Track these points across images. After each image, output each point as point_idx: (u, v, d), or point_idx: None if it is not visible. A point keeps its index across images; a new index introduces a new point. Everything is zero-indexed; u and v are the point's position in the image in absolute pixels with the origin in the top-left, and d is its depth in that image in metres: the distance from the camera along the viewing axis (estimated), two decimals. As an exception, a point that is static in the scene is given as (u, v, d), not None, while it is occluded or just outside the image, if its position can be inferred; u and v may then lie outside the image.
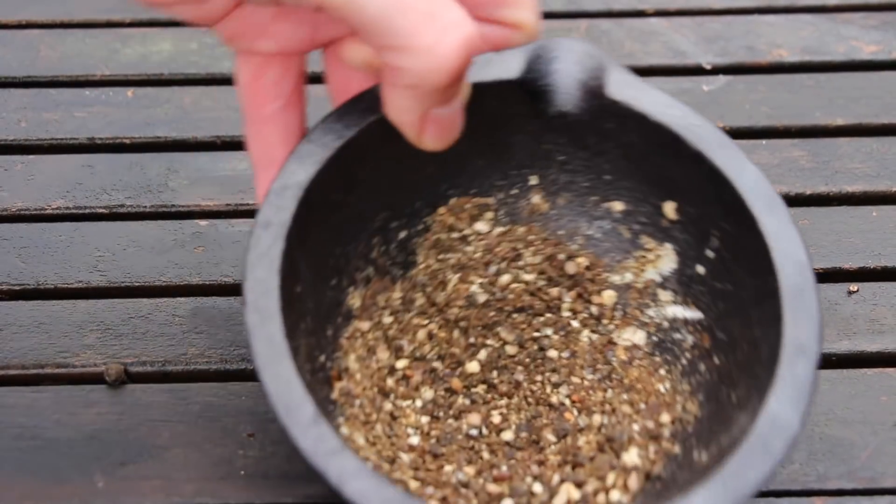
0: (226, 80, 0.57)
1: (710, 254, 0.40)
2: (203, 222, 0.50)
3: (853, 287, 0.47)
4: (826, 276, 0.48)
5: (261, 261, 0.36)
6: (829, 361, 0.45)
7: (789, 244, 0.36)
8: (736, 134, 0.54)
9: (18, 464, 0.42)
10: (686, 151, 0.38)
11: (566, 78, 0.38)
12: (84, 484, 0.41)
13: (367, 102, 0.38)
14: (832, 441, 0.42)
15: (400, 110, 0.35)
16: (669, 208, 0.41)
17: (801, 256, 0.36)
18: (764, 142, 0.54)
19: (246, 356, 0.45)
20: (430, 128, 0.35)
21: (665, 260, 0.42)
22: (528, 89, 0.39)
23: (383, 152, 0.38)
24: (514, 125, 0.41)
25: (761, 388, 0.35)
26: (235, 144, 0.54)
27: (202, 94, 0.56)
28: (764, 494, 0.41)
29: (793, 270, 0.36)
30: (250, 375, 0.45)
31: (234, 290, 0.48)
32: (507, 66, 0.39)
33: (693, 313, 0.41)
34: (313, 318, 0.39)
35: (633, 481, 0.38)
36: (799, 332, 0.35)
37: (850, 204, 0.51)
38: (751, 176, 0.37)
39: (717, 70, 0.58)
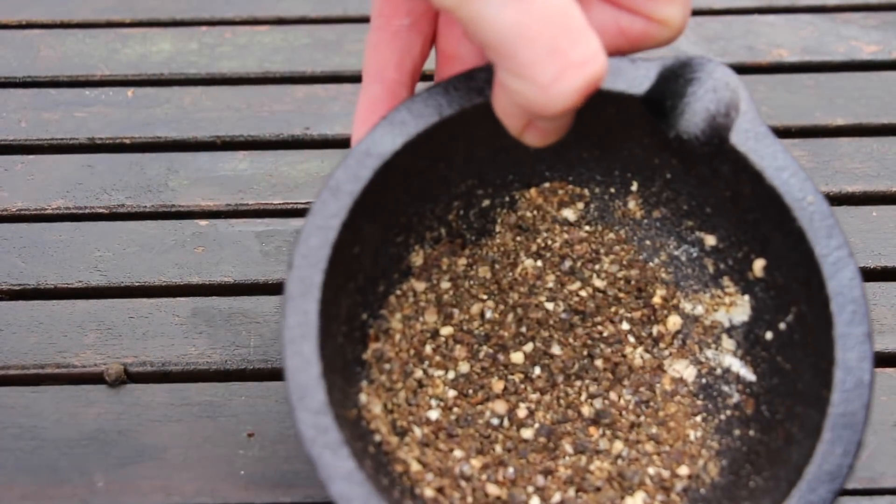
0: (226, 80, 0.57)
1: (782, 326, 0.39)
2: (203, 222, 0.50)
3: (853, 287, 0.47)
4: (826, 276, 0.48)
5: (318, 231, 0.35)
6: (829, 361, 0.45)
7: (858, 361, 0.35)
8: (736, 134, 0.54)
9: (18, 464, 0.42)
10: (790, 226, 0.37)
11: (696, 105, 0.36)
12: (84, 484, 0.41)
13: (479, 82, 0.37)
14: (832, 441, 0.42)
15: (505, 113, 0.34)
16: (759, 265, 0.40)
17: (865, 377, 0.35)
18: (764, 142, 0.54)
19: (246, 356, 0.45)
20: (532, 132, 0.35)
21: (739, 309, 0.40)
22: (653, 105, 0.37)
23: (482, 129, 0.37)
24: (627, 133, 0.40)
25: (776, 492, 0.34)
26: (235, 144, 0.54)
27: (202, 94, 0.56)
28: (764, 494, 0.41)
29: (851, 389, 0.35)
30: (250, 375, 0.45)
31: (234, 289, 0.48)
32: (639, 80, 0.37)
33: (748, 373, 0.40)
34: (367, 274, 0.39)
35: None
36: (833, 457, 0.34)
37: (850, 204, 0.51)
38: (846, 277, 0.36)
39: (717, 70, 0.58)
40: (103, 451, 0.42)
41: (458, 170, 0.40)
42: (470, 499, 0.38)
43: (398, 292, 0.41)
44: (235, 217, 0.51)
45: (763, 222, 0.38)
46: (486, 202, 0.42)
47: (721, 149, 0.37)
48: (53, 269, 0.48)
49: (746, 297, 0.40)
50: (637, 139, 0.40)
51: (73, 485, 0.41)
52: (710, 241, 0.41)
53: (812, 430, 0.35)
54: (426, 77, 0.37)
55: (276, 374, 0.45)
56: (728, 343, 0.40)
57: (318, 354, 0.34)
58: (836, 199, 0.51)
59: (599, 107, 0.37)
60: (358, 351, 0.39)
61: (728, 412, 0.40)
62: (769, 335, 0.39)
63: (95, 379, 0.44)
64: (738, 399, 0.40)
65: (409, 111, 0.37)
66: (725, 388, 0.40)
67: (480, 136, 0.38)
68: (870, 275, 0.48)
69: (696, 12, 0.61)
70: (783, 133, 0.55)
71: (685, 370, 0.41)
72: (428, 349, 0.41)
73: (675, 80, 0.37)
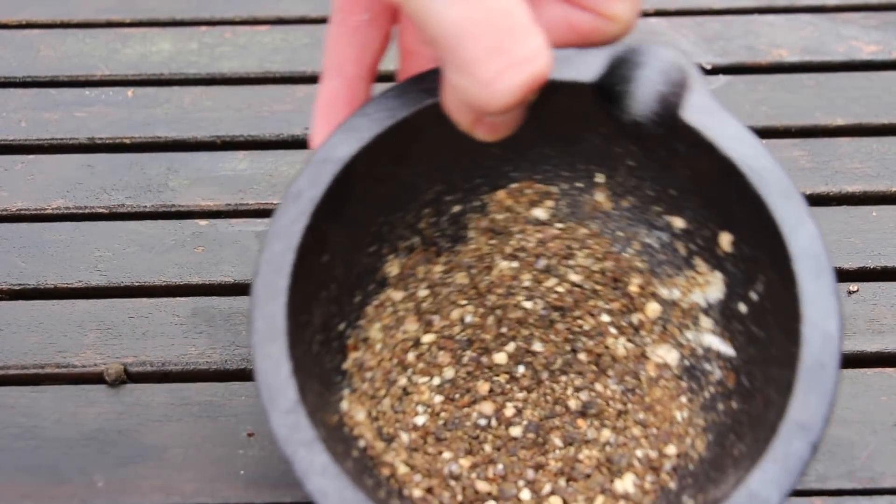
0: (226, 80, 0.57)
1: (753, 296, 0.39)
2: (203, 222, 0.50)
3: (853, 287, 0.47)
4: (826, 276, 0.48)
5: (280, 236, 0.35)
6: (829, 361, 0.45)
7: (824, 315, 0.35)
8: (736, 134, 0.54)
9: (18, 464, 0.42)
10: (748, 193, 0.37)
11: (647, 88, 0.37)
12: (84, 484, 0.41)
13: (430, 83, 0.37)
14: (832, 441, 0.42)
15: (453, 109, 0.35)
16: (726, 240, 0.40)
17: (832, 330, 0.35)
18: (764, 142, 0.54)
19: (246, 356, 0.45)
20: (482, 128, 0.35)
21: (713, 287, 0.41)
22: (605, 92, 0.38)
23: (441, 131, 0.37)
24: (586, 123, 0.40)
25: (756, 454, 0.34)
26: (235, 144, 0.54)
27: (202, 94, 0.56)
28: (764, 494, 0.41)
29: (819, 343, 0.35)
30: (250, 375, 0.45)
31: (234, 289, 0.48)
32: (587, 67, 0.38)
33: (727, 349, 0.40)
34: (340, 284, 0.39)
35: None
36: (805, 409, 0.34)
37: (850, 204, 0.51)
38: (805, 235, 0.36)
39: (717, 70, 0.58)
40: (103, 451, 0.42)
41: (423, 175, 0.41)
42: (460, 497, 0.39)
43: (375, 302, 0.41)
44: (235, 217, 0.51)
45: (724, 195, 0.39)
46: (457, 208, 0.42)
47: (675, 127, 0.37)
48: (53, 269, 0.48)
49: (719, 274, 0.40)
50: (595, 129, 0.40)
51: (73, 485, 0.41)
52: (679, 223, 0.41)
53: (786, 388, 0.35)
54: (384, 78, 0.38)
55: (276, 374, 0.45)
56: (706, 322, 0.41)
57: (288, 355, 0.34)
58: (836, 199, 0.51)
59: (553, 99, 0.37)
60: (337, 361, 0.39)
61: (711, 389, 0.40)
62: (743, 307, 0.39)
63: (95, 379, 0.44)
64: (720, 375, 0.40)
65: (364, 116, 0.37)
66: (707, 367, 0.41)
67: (440, 138, 0.38)
68: (870, 275, 0.48)
69: (696, 12, 0.61)
70: (783, 133, 0.55)
71: (668, 355, 0.41)
72: (411, 357, 0.41)
73: (623, 65, 0.37)
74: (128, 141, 0.54)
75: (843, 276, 0.48)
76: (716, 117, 0.37)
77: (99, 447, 0.42)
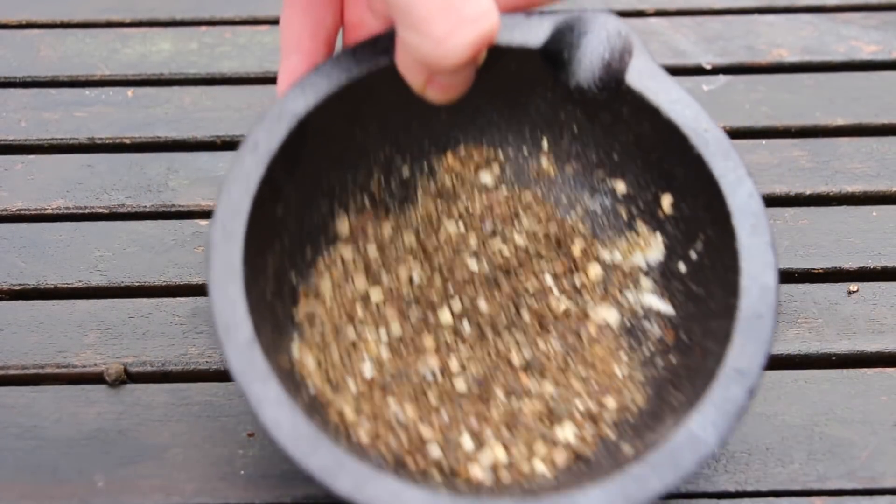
0: (226, 80, 0.57)
1: (693, 255, 0.41)
2: (203, 222, 0.50)
3: (853, 287, 0.47)
4: (826, 276, 0.48)
5: (238, 183, 0.37)
6: (829, 361, 0.45)
7: (761, 268, 0.37)
8: (736, 134, 0.54)
9: (18, 464, 0.42)
10: (690, 154, 0.39)
11: (591, 54, 0.38)
12: (84, 484, 0.41)
13: (383, 45, 0.39)
14: (832, 441, 0.42)
15: (406, 68, 0.36)
16: (666, 201, 0.42)
17: (769, 282, 0.36)
18: (764, 142, 0.54)
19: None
20: (434, 88, 0.36)
21: (654, 249, 0.43)
22: (551, 58, 0.39)
23: (393, 94, 0.39)
24: (532, 89, 0.42)
25: (695, 400, 0.35)
26: (235, 144, 0.54)
27: (202, 94, 0.56)
28: (764, 495, 0.41)
29: (756, 295, 0.36)
30: (250, 375, 0.45)
31: (234, 290, 0.48)
32: (534, 33, 0.39)
33: (666, 307, 0.42)
34: (293, 237, 0.41)
35: (561, 457, 0.39)
36: (743, 357, 0.35)
37: (850, 204, 0.51)
38: (744, 192, 0.38)
39: (717, 70, 0.58)
40: (103, 451, 0.42)
41: (373, 136, 0.43)
42: (405, 442, 0.39)
43: (326, 258, 0.43)
44: (235, 217, 0.51)
45: (665, 158, 0.40)
46: (406, 171, 0.44)
47: (619, 91, 0.39)
48: (53, 269, 0.48)
49: (659, 236, 0.42)
50: (541, 94, 0.42)
51: (73, 485, 0.41)
52: (621, 187, 0.43)
53: (724, 338, 0.36)
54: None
55: (276, 374, 0.45)
56: (646, 283, 0.42)
57: (244, 294, 0.35)
58: (836, 199, 0.51)
59: (501, 64, 0.40)
60: (289, 310, 0.41)
61: (651, 346, 0.41)
62: (682, 267, 0.41)
63: (95, 379, 0.44)
64: (659, 333, 0.41)
65: (318, 74, 0.39)
66: (647, 325, 0.42)
67: (391, 100, 0.40)
68: (870, 275, 0.48)
69: (696, 12, 0.61)
70: (783, 133, 0.55)
71: (609, 315, 0.43)
72: (359, 312, 0.42)
73: (569, 32, 0.39)
74: (128, 141, 0.54)
75: (843, 276, 0.48)
76: (658, 81, 0.39)
77: (99, 447, 0.42)
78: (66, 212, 0.51)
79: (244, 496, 0.41)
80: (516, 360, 0.42)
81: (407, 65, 0.36)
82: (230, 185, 0.37)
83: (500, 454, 0.39)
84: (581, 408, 0.40)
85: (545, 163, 0.44)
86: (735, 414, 0.34)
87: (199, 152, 0.53)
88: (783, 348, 0.45)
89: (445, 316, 0.42)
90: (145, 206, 0.51)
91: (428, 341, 0.42)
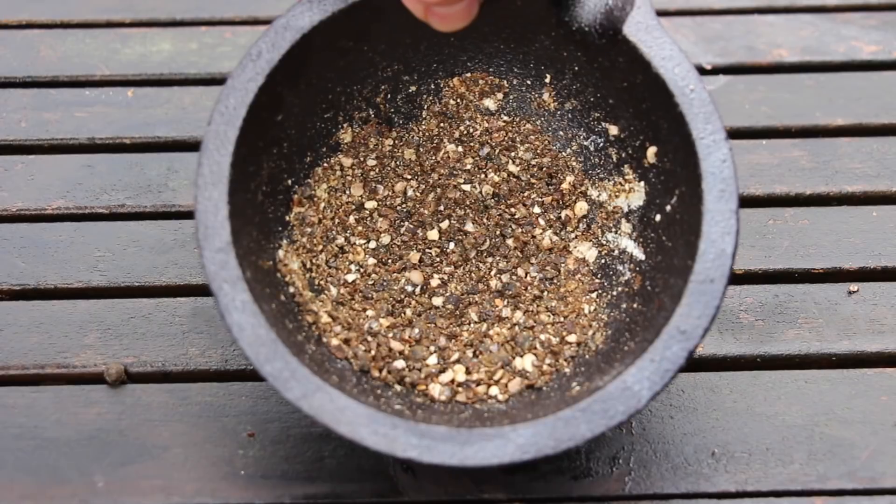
0: (225, 80, 0.57)
1: (668, 208, 0.42)
2: (203, 222, 0.50)
3: (853, 287, 0.47)
4: (826, 276, 0.48)
5: (236, 91, 0.40)
6: (829, 361, 0.45)
7: (721, 234, 0.38)
8: (736, 134, 0.54)
9: (18, 464, 0.42)
10: (674, 111, 0.40)
11: (597, 0, 0.41)
12: (84, 484, 0.41)
13: None
14: (832, 441, 0.42)
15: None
16: (651, 152, 0.43)
17: (727, 248, 0.38)
18: (764, 142, 0.54)
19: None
20: (434, 17, 0.38)
21: (637, 195, 0.44)
22: (557, 1, 0.42)
23: (403, 15, 0.40)
24: (538, 26, 0.45)
25: (640, 353, 0.37)
26: (235, 144, 0.54)
27: (202, 94, 0.56)
28: (764, 495, 0.41)
29: (711, 260, 0.38)
30: (250, 375, 0.45)
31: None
32: None
33: (640, 253, 0.43)
34: (292, 143, 0.43)
35: (515, 385, 0.41)
36: (688, 318, 0.37)
37: (850, 204, 0.51)
38: (718, 158, 0.39)
39: (717, 70, 0.58)
40: (103, 451, 0.42)
41: (382, 54, 0.45)
42: (373, 352, 0.42)
43: (325, 164, 0.45)
44: (235, 217, 0.51)
45: (653, 110, 0.42)
46: (413, 88, 0.46)
47: (616, 40, 0.41)
48: (53, 269, 0.48)
49: (642, 184, 0.44)
50: (546, 32, 0.45)
51: (73, 485, 0.41)
52: (614, 130, 0.45)
53: (677, 296, 0.38)
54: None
55: (276, 374, 0.45)
56: (626, 227, 0.44)
57: (227, 200, 0.38)
58: (836, 199, 0.51)
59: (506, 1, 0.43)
60: (281, 212, 0.43)
61: (619, 288, 0.43)
62: (658, 217, 0.43)
63: (95, 379, 0.44)
64: (628, 276, 0.43)
65: None
66: (620, 268, 0.44)
67: (401, 21, 0.42)
68: (870, 275, 0.48)
69: (696, 12, 0.61)
70: (783, 133, 0.55)
71: (588, 251, 0.45)
72: (352, 220, 0.44)
73: None
74: (128, 141, 0.54)
75: (843, 276, 0.48)
76: (655, 36, 0.41)
77: (99, 447, 0.42)
78: (66, 212, 0.51)
79: (244, 496, 0.41)
80: (494, 284, 0.44)
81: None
82: (228, 94, 0.39)
83: (458, 376, 0.41)
84: (544, 339, 0.42)
85: (546, 96, 0.46)
86: (670, 372, 0.36)
87: (198, 152, 0.53)
88: (783, 348, 0.45)
89: (433, 233, 0.44)
90: (145, 206, 0.51)
91: (414, 256, 0.44)
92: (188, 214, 0.51)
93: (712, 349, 0.45)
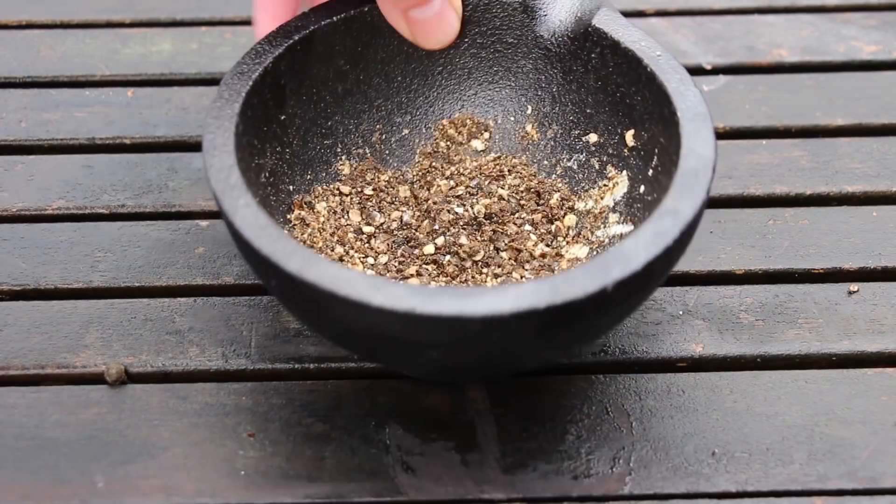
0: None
1: (650, 172, 0.44)
2: (203, 222, 0.50)
3: (853, 287, 0.47)
4: (826, 276, 0.48)
5: (242, 72, 0.43)
6: (829, 361, 0.45)
7: (701, 144, 0.40)
8: (736, 134, 0.54)
9: (18, 464, 0.42)
10: (644, 73, 0.43)
11: (566, 6, 0.46)
12: (84, 484, 0.41)
13: None
14: (832, 441, 0.42)
15: (385, 8, 0.41)
16: (629, 136, 0.45)
17: (708, 154, 0.40)
18: (764, 142, 0.54)
19: (246, 356, 0.45)
20: (416, 27, 0.41)
21: (620, 186, 0.46)
22: (529, 10, 0.46)
23: (394, 41, 0.45)
24: (515, 50, 0.48)
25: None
26: (235, 144, 0.54)
27: (202, 94, 0.56)
28: (764, 495, 0.41)
29: (693, 160, 0.39)
30: (250, 375, 0.45)
31: (234, 289, 0.48)
32: None
33: (627, 227, 0.45)
34: (294, 155, 0.46)
35: None
36: (677, 199, 0.38)
37: (850, 204, 0.51)
38: (690, 96, 0.42)
39: (717, 70, 0.58)
40: (103, 451, 0.42)
41: (377, 89, 0.48)
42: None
43: (325, 186, 0.47)
44: (235, 217, 0.50)
45: (626, 91, 0.45)
46: (406, 131, 0.49)
47: (586, 36, 0.45)
48: (53, 269, 0.48)
49: (625, 173, 0.46)
50: (526, 57, 0.48)
51: (73, 485, 0.41)
52: (593, 138, 0.47)
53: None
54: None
55: (276, 375, 0.45)
56: (613, 217, 0.46)
57: (235, 143, 0.40)
58: (837, 199, 0.51)
59: (487, 19, 0.47)
60: (283, 209, 0.45)
61: None
62: (642, 188, 0.45)
63: (95, 379, 0.44)
64: None
65: (326, 7, 0.45)
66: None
67: (392, 49, 0.47)
68: (870, 275, 0.48)
69: (696, 12, 0.61)
70: (783, 133, 0.55)
71: (580, 250, 0.46)
72: (351, 237, 0.45)
73: None
74: (128, 141, 0.54)
75: (843, 276, 0.48)
76: (622, 26, 0.45)
77: (99, 447, 0.42)
78: (66, 212, 0.51)
79: (244, 496, 0.41)
80: (491, 285, 0.44)
81: (384, 6, 0.41)
82: (234, 71, 0.43)
83: None
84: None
85: (530, 128, 0.49)
86: (666, 242, 0.37)
87: (199, 153, 0.53)
88: (783, 348, 0.45)
89: (429, 248, 0.45)
90: (145, 207, 0.51)
91: (411, 270, 0.44)
92: (188, 215, 0.51)
93: (712, 349, 0.45)
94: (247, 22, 0.60)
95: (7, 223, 0.50)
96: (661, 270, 0.38)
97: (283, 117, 0.45)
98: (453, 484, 0.41)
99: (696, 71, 0.58)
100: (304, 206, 0.45)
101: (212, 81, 0.57)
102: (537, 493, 0.41)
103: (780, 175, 0.52)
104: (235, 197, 0.38)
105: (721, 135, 0.54)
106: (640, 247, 0.37)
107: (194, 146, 0.54)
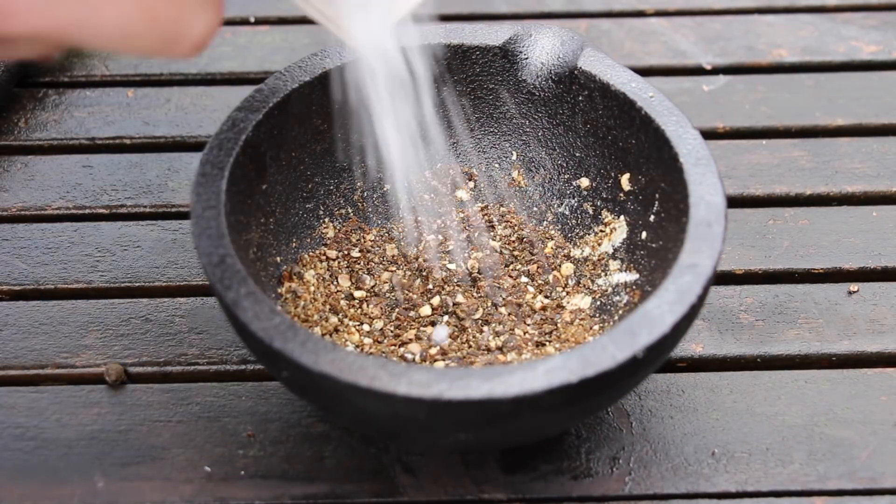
0: (225, 81, 0.57)
1: (651, 218, 0.43)
2: (203, 222, 0.50)
3: (853, 287, 0.47)
4: (826, 276, 0.48)
5: (220, 143, 0.41)
6: (829, 361, 0.45)
7: (708, 191, 0.39)
8: (736, 134, 0.54)
9: (18, 464, 0.42)
10: (638, 116, 0.42)
11: (546, 49, 0.45)
12: (84, 484, 0.41)
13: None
14: (832, 441, 0.42)
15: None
16: (625, 180, 0.44)
17: (718, 201, 0.39)
18: (764, 142, 0.54)
19: (246, 356, 0.45)
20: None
21: (619, 232, 0.45)
22: (510, 56, 0.45)
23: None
24: (498, 99, 0.46)
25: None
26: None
27: (202, 94, 0.56)
28: (764, 495, 0.41)
29: (704, 209, 0.39)
30: (250, 376, 0.45)
31: (234, 290, 0.48)
32: (494, 36, 0.45)
33: (632, 276, 0.44)
34: (279, 224, 0.44)
35: None
36: (694, 254, 0.37)
37: (850, 204, 0.51)
38: (690, 138, 0.41)
39: (717, 70, 0.58)
40: (103, 451, 0.42)
41: (354, 145, 0.46)
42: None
43: (311, 253, 0.45)
44: (235, 217, 0.50)
45: (619, 134, 0.44)
46: (388, 187, 0.47)
47: (572, 79, 0.44)
48: (54, 270, 0.48)
49: (622, 218, 0.45)
50: (508, 102, 0.47)
51: (73, 485, 0.41)
52: (585, 183, 0.46)
53: (678, 249, 0.38)
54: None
55: (276, 375, 0.45)
56: (614, 265, 0.45)
57: (226, 196, 0.39)
58: (836, 199, 0.51)
59: (467, 66, 0.46)
60: (273, 283, 0.43)
61: (621, 312, 0.43)
62: (644, 234, 0.43)
63: (95, 379, 0.44)
64: (627, 298, 0.43)
65: (300, 66, 0.44)
66: (617, 298, 0.44)
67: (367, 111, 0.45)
68: (870, 275, 0.48)
69: (696, 12, 0.61)
70: (783, 133, 0.55)
71: (582, 301, 0.45)
72: (343, 304, 0.44)
73: (527, 38, 0.45)
74: (128, 141, 0.54)
75: (843, 276, 0.48)
76: (608, 66, 0.44)
77: (99, 447, 0.42)
78: (66, 212, 0.51)
79: (244, 496, 0.41)
80: (494, 344, 0.43)
81: None
82: (212, 145, 0.40)
83: None
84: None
85: (515, 175, 0.47)
86: (688, 297, 0.36)
87: (198, 152, 0.53)
88: (783, 348, 0.45)
89: (426, 310, 0.44)
90: (145, 206, 0.51)
91: (409, 333, 0.43)
92: (188, 215, 0.51)
93: (712, 349, 0.45)
94: (247, 22, 0.60)
95: (7, 223, 0.50)
96: (686, 327, 0.37)
97: (264, 186, 0.43)
98: (453, 484, 0.41)
99: (696, 71, 0.58)
100: (294, 277, 0.44)
101: (212, 81, 0.57)
102: (537, 493, 0.41)
103: (780, 175, 0.52)
104: (236, 288, 0.36)
105: (721, 135, 0.54)
106: (664, 308, 0.36)
107: (194, 146, 0.54)
